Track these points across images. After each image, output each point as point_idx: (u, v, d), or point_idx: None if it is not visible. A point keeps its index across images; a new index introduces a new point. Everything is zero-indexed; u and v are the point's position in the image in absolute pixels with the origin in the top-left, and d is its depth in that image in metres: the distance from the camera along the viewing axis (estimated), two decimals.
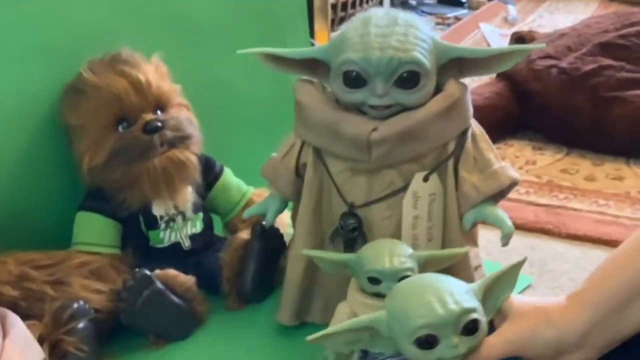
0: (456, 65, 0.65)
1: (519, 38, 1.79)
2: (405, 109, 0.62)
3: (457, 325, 0.47)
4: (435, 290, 0.48)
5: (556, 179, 1.15)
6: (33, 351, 0.59)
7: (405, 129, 0.61)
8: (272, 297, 0.78)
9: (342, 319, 0.61)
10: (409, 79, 0.61)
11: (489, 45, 2.19)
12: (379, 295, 0.59)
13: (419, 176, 0.64)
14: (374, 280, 0.58)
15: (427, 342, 0.47)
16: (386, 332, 0.50)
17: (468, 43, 2.17)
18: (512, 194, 1.08)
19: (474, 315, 0.48)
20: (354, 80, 0.62)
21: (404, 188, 0.64)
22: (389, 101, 0.62)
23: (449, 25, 2.63)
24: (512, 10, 2.85)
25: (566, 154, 1.27)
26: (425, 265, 0.61)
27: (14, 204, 0.74)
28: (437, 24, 2.69)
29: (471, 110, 0.66)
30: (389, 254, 0.58)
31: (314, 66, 0.68)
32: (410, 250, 0.60)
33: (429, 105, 0.62)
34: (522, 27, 2.37)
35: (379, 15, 0.63)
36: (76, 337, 0.61)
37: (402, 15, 0.63)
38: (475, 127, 0.67)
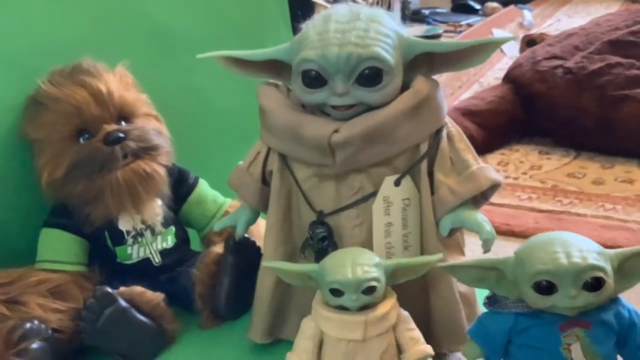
0: (426, 61, 0.61)
1: (529, 41, 1.74)
2: (370, 108, 0.59)
3: (578, 279, 0.48)
4: (564, 243, 0.50)
5: (562, 183, 1.10)
6: None
7: (369, 130, 0.57)
8: (249, 313, 0.73)
9: (307, 335, 0.57)
10: (371, 76, 0.57)
11: (501, 51, 2.14)
12: (343, 309, 0.55)
13: (389, 180, 0.60)
14: (336, 292, 0.54)
15: (546, 288, 0.49)
16: (511, 275, 0.52)
17: None
18: (512, 200, 1.05)
19: (598, 274, 0.48)
20: (313, 80, 0.58)
21: (375, 193, 0.60)
22: (351, 100, 0.58)
23: (460, 32, 2.59)
24: (528, 15, 2.80)
25: (574, 157, 1.21)
26: (394, 275, 0.57)
27: None
28: (449, 31, 2.65)
29: (445, 109, 0.62)
30: (352, 263, 0.54)
31: (278, 68, 0.64)
32: (376, 259, 0.56)
33: (395, 103, 0.58)
34: (538, 31, 2.32)
35: (340, 11, 0.59)
36: (27, 358, 0.58)
37: (366, 10, 0.60)
38: (452, 126, 0.63)
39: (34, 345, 0.59)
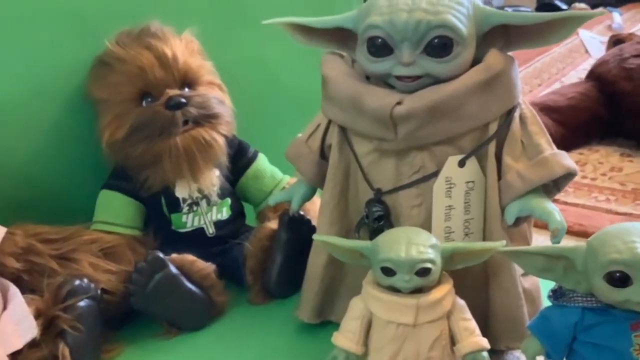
0: (502, 35, 0.57)
1: (616, 41, 1.65)
2: (437, 81, 0.55)
3: None
4: None
5: None
6: (27, 326, 0.56)
7: (435, 104, 0.54)
8: (299, 293, 0.71)
9: (355, 315, 0.54)
10: (440, 45, 0.53)
11: (586, 51, 2.05)
12: (395, 290, 0.52)
13: (453, 160, 0.56)
14: (388, 271, 0.51)
15: (620, 280, 0.45)
16: (581, 265, 0.48)
17: (564, 49, 2.03)
18: (588, 201, 0.98)
19: None
20: (379, 48, 0.55)
21: (437, 173, 0.57)
22: (417, 71, 0.55)
23: None
24: (618, 18, 2.67)
25: None
26: (452, 259, 0.54)
27: (42, 177, 0.73)
28: None
29: (519, 87, 0.57)
30: (407, 242, 0.51)
31: (344, 38, 0.62)
32: (433, 240, 0.52)
33: (464, 77, 0.54)
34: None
35: None
36: (73, 314, 0.58)
37: None
38: (525, 107, 0.58)
39: (82, 303, 0.59)
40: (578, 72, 1.75)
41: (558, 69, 1.78)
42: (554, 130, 1.14)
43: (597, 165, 1.12)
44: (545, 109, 1.17)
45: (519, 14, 0.56)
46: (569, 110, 1.18)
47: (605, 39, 2.20)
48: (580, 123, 1.19)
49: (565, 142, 1.17)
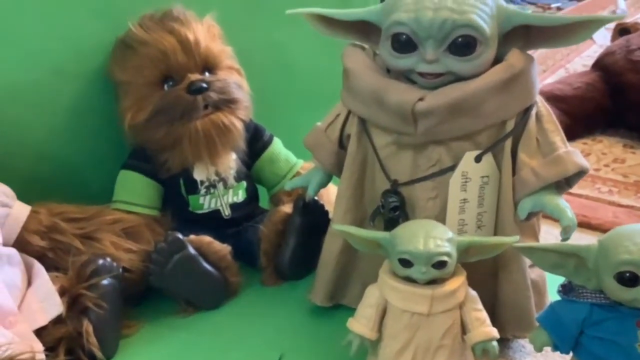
0: (523, 35, 0.58)
1: (622, 29, 1.65)
2: (459, 79, 0.56)
3: None
4: None
5: None
6: (52, 303, 0.58)
7: (456, 101, 0.55)
8: (311, 276, 0.73)
9: (370, 302, 0.57)
10: (464, 44, 0.55)
11: (592, 38, 2.05)
12: (410, 280, 0.54)
13: (469, 155, 0.58)
14: (405, 263, 0.53)
15: (629, 280, 0.47)
16: (592, 263, 0.50)
17: None
18: (592, 192, 1.00)
19: None
20: (403, 44, 0.56)
21: (453, 167, 0.58)
22: (440, 69, 0.56)
23: None
24: (622, 3, 2.65)
25: None
26: (466, 252, 0.56)
27: (61, 156, 0.74)
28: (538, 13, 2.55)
29: (537, 86, 0.59)
30: (425, 235, 0.53)
31: (367, 31, 0.63)
32: (449, 234, 0.54)
33: (486, 76, 0.56)
34: (631, 21, 2.19)
35: None
36: (97, 293, 0.60)
37: None
38: (542, 106, 0.60)
39: (105, 282, 0.61)
40: (583, 59, 1.75)
41: (563, 55, 1.78)
42: (560, 120, 1.14)
43: (600, 156, 1.13)
44: (552, 98, 1.18)
45: (541, 16, 0.57)
46: (574, 100, 1.19)
47: (611, 25, 2.20)
48: (585, 113, 1.20)
49: (570, 132, 1.17)
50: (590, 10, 2.56)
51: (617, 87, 1.23)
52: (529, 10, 2.52)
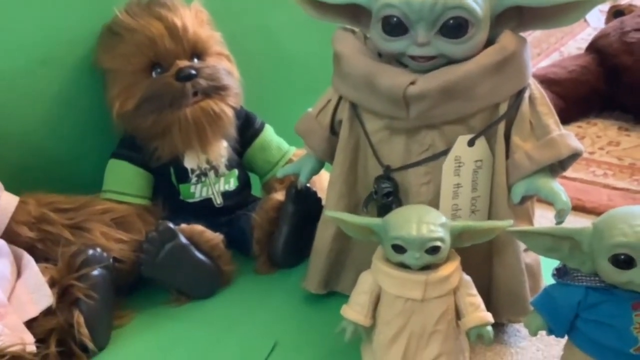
0: (515, 16, 0.57)
1: (616, 11, 1.64)
2: (451, 62, 0.56)
3: None
4: None
5: None
6: (42, 294, 0.58)
7: (448, 84, 0.55)
8: (305, 263, 0.73)
9: (364, 289, 0.56)
10: (456, 26, 0.54)
11: (585, 20, 2.03)
12: (404, 266, 0.54)
13: (462, 139, 0.57)
14: (398, 249, 0.53)
15: (624, 262, 0.46)
16: (587, 246, 0.49)
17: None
18: (586, 175, 1.00)
19: None
20: (394, 27, 0.55)
21: (446, 152, 0.58)
22: (432, 52, 0.55)
23: None
24: None
25: None
26: (460, 237, 0.55)
27: (49, 146, 0.73)
28: None
29: (530, 68, 0.58)
30: (417, 220, 0.52)
31: (357, 14, 0.62)
32: (442, 219, 0.53)
33: (478, 58, 0.55)
34: (626, 2, 2.18)
35: None
36: (87, 283, 0.59)
37: None
38: (535, 88, 0.59)
39: (95, 272, 0.60)
40: (577, 42, 1.74)
41: (557, 38, 1.77)
42: (554, 103, 1.14)
43: (595, 139, 1.13)
44: (546, 81, 1.17)
45: None
46: (569, 83, 1.18)
47: (605, 7, 2.19)
48: (580, 96, 1.19)
49: (565, 115, 1.17)
50: None
51: (611, 69, 1.22)
52: None
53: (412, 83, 0.55)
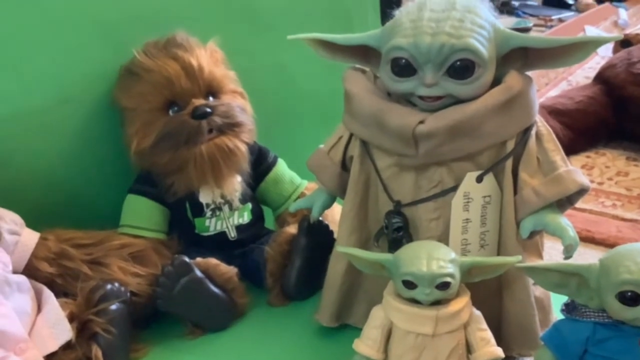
0: (521, 56, 0.59)
1: (623, 41, 1.66)
2: (458, 101, 0.57)
3: None
4: None
5: None
6: (62, 328, 0.59)
7: (456, 123, 0.56)
8: (317, 295, 0.74)
9: (376, 324, 0.57)
10: (462, 68, 0.55)
11: None
12: (415, 302, 0.55)
13: (471, 175, 0.59)
14: (409, 284, 0.54)
15: (631, 299, 0.47)
16: (594, 283, 0.50)
17: None
18: (595, 206, 1.01)
19: None
20: (403, 68, 0.57)
21: (455, 188, 0.59)
22: (439, 92, 0.57)
23: (551, 27, 2.49)
24: (623, 13, 2.67)
25: None
26: (469, 273, 0.56)
27: (68, 182, 0.75)
28: (540, 25, 2.56)
29: (536, 107, 0.60)
30: (427, 256, 0.54)
31: (367, 54, 0.64)
32: (452, 255, 0.55)
33: (485, 98, 0.57)
34: (634, 31, 2.20)
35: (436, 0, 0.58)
36: (106, 318, 0.60)
37: None
38: (542, 125, 0.61)
39: (113, 307, 0.62)
40: (585, 71, 1.76)
41: (565, 67, 1.79)
42: (562, 134, 1.16)
43: (603, 170, 1.14)
44: (554, 112, 1.19)
45: (538, 37, 0.58)
46: (577, 113, 1.20)
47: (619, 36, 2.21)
48: (587, 127, 1.20)
49: (573, 145, 1.19)
50: (591, 20, 2.58)
51: (618, 100, 1.23)
52: (531, 22, 2.53)
53: (421, 122, 0.57)
